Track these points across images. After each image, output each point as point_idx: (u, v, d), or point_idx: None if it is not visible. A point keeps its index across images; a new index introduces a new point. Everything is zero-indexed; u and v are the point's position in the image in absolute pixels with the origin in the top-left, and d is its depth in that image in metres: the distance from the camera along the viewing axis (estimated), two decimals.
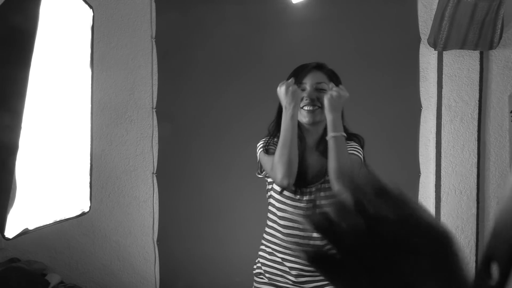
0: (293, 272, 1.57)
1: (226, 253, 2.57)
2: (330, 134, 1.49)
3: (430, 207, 2.58)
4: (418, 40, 2.56)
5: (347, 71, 2.55)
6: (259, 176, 1.69)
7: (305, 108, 1.54)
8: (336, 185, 1.45)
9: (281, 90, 1.52)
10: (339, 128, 1.49)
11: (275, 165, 1.48)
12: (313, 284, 1.58)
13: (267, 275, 1.63)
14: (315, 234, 1.49)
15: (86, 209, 1.08)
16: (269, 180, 1.64)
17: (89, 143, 1.16)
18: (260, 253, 1.67)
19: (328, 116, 1.51)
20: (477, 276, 0.19)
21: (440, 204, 2.55)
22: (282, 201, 1.59)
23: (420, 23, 2.57)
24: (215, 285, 2.57)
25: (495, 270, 0.18)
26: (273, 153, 1.52)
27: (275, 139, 1.58)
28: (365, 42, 2.56)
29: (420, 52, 2.56)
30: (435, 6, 2.48)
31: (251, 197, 2.39)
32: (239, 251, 2.49)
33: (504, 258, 0.18)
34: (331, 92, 1.51)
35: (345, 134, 1.51)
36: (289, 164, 1.47)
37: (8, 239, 0.71)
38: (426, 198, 2.58)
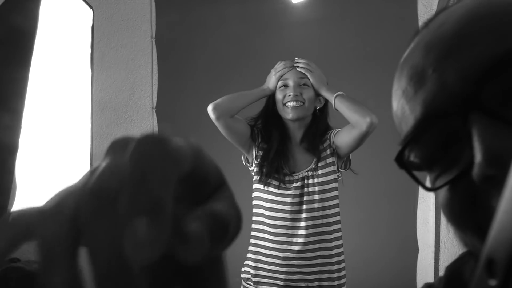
0: (283, 270, 1.57)
1: (226, 253, 2.57)
2: (334, 95, 1.56)
3: (430, 208, 2.58)
4: None
5: (347, 71, 2.56)
6: (249, 168, 1.71)
7: (289, 104, 1.57)
8: (364, 126, 1.49)
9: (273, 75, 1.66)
10: (335, 91, 1.58)
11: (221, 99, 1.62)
12: (305, 282, 1.57)
13: (254, 279, 1.62)
14: (301, 228, 1.53)
15: None
16: (255, 171, 1.66)
17: (89, 143, 1.16)
18: (248, 255, 1.67)
19: (321, 89, 1.59)
20: (477, 276, 0.19)
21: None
22: (269, 191, 1.60)
23: (420, 23, 2.57)
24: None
25: (495, 270, 0.18)
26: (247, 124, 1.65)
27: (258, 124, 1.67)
28: (365, 42, 2.56)
29: None
30: (435, 6, 2.48)
31: (251, 198, 2.39)
32: (238, 251, 2.49)
33: (504, 258, 0.18)
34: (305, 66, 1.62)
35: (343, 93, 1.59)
36: (228, 102, 1.61)
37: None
38: (426, 197, 2.58)
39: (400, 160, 0.36)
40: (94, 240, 0.19)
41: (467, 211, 0.33)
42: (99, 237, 0.18)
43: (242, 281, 1.68)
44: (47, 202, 0.20)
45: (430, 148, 0.35)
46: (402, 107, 0.37)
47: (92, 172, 0.20)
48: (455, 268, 0.44)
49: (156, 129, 2.65)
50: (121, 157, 0.20)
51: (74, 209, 0.19)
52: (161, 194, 0.18)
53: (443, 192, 0.35)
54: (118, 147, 0.20)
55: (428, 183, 0.37)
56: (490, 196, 0.31)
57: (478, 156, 0.30)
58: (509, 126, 0.30)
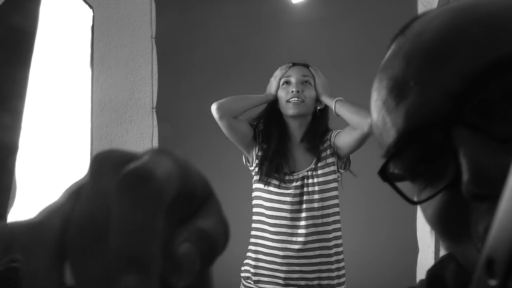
0: (283, 268, 1.58)
1: (226, 252, 2.56)
2: (334, 100, 1.60)
3: None
4: None
5: (347, 71, 2.56)
6: (250, 168, 1.72)
7: (291, 100, 1.60)
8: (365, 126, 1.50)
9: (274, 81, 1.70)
10: (335, 98, 1.62)
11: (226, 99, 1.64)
12: (304, 281, 1.58)
13: (254, 278, 1.63)
14: (301, 227, 1.54)
15: None
16: (256, 170, 1.67)
17: (89, 143, 1.17)
18: (248, 254, 1.68)
19: (322, 94, 1.63)
20: (477, 276, 0.19)
21: None
22: (270, 191, 1.61)
23: None
24: (215, 285, 2.56)
25: (495, 270, 0.18)
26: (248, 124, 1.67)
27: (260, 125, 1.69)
28: (365, 42, 2.56)
29: None
30: (435, 6, 2.48)
31: (251, 197, 2.40)
32: (238, 251, 2.49)
33: (504, 258, 0.18)
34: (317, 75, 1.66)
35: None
36: (232, 103, 1.63)
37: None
38: None
39: (383, 173, 0.36)
40: (78, 267, 0.19)
41: (458, 224, 0.32)
42: (83, 267, 0.19)
43: (242, 280, 1.69)
44: (33, 218, 0.20)
45: (413, 161, 0.35)
46: (383, 118, 0.36)
47: (77, 191, 0.20)
48: (436, 271, 0.44)
49: (156, 129, 2.64)
50: (107, 182, 0.19)
51: (60, 229, 0.19)
52: (150, 245, 0.18)
53: (429, 205, 0.34)
54: (103, 166, 0.20)
55: (412, 196, 0.36)
56: (479, 209, 0.30)
57: (465, 175, 0.29)
58: (494, 141, 0.29)
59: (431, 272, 0.45)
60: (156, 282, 0.18)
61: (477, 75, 0.30)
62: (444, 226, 0.34)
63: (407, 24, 0.39)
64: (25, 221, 0.20)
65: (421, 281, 0.46)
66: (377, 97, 0.38)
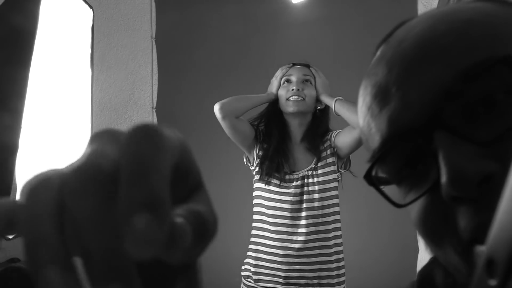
0: (283, 267, 1.58)
1: (226, 252, 2.57)
2: (334, 99, 1.61)
3: None
4: None
5: (347, 71, 2.56)
6: (250, 167, 1.72)
7: (291, 98, 1.61)
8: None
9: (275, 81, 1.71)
10: (335, 98, 1.63)
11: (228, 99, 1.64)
12: (304, 280, 1.58)
13: (254, 276, 1.64)
14: (301, 227, 1.55)
15: None
16: (256, 170, 1.67)
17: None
18: (249, 253, 1.69)
19: (322, 94, 1.64)
20: (477, 276, 0.19)
21: None
22: (270, 190, 1.62)
23: None
24: (215, 285, 2.57)
25: (495, 270, 0.18)
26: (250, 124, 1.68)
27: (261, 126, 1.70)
28: (365, 42, 2.55)
29: None
30: (435, 6, 2.48)
31: (251, 197, 2.40)
32: (239, 250, 2.49)
33: (504, 258, 0.18)
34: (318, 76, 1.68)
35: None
36: (235, 103, 1.63)
37: (8, 239, 0.71)
38: None
39: (369, 177, 0.36)
40: (81, 220, 0.18)
41: (439, 227, 0.33)
42: (86, 217, 0.18)
43: (243, 279, 1.69)
44: (26, 189, 0.19)
45: (397, 165, 0.35)
46: (368, 124, 0.37)
47: (113, 136, 0.20)
48: (426, 272, 0.45)
49: None
50: (111, 144, 0.19)
51: (58, 191, 0.19)
52: (160, 187, 0.18)
53: (415, 208, 0.35)
54: (104, 137, 0.20)
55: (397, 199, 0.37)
56: (459, 212, 0.31)
57: (443, 177, 0.30)
58: (473, 145, 0.30)
59: (422, 272, 0.46)
60: (167, 225, 0.18)
61: (455, 80, 0.31)
62: (427, 229, 0.34)
63: (391, 31, 0.40)
64: (18, 199, 0.19)
65: (412, 282, 0.46)
66: (362, 103, 0.39)
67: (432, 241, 0.35)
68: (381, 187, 0.36)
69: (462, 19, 0.34)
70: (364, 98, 0.38)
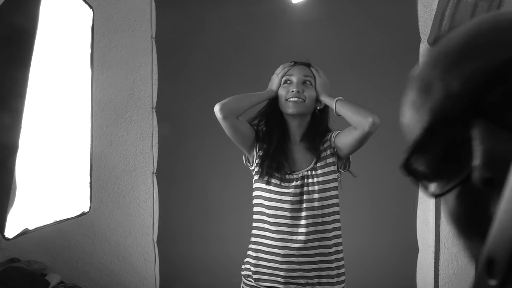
0: (283, 267, 1.58)
1: (226, 253, 2.57)
2: (334, 99, 1.60)
3: (430, 208, 2.58)
4: (418, 40, 2.56)
5: (347, 71, 2.56)
6: (250, 167, 1.72)
7: (291, 99, 1.60)
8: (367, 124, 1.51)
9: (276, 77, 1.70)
10: (335, 98, 1.62)
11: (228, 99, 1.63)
12: (304, 280, 1.58)
13: (254, 276, 1.64)
14: (301, 226, 1.55)
15: (86, 209, 1.09)
16: (256, 170, 1.67)
17: (89, 143, 1.17)
18: (249, 252, 1.69)
19: (323, 94, 1.63)
20: (477, 276, 0.19)
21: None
22: (270, 190, 1.62)
23: (420, 23, 2.57)
24: (215, 285, 2.57)
25: (495, 270, 0.18)
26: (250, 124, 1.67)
27: (261, 125, 1.69)
28: (365, 42, 2.56)
29: (420, 52, 2.56)
30: (435, 6, 2.48)
31: (251, 197, 2.40)
32: (239, 251, 2.49)
33: (504, 258, 0.18)
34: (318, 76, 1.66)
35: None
36: (235, 102, 1.62)
37: (8, 239, 0.71)
38: (426, 197, 2.58)
39: (406, 168, 0.37)
40: None
41: (471, 218, 0.34)
42: None
43: (243, 278, 1.69)
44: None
45: (435, 157, 0.36)
46: (412, 117, 0.39)
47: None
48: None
49: (156, 129, 2.64)
50: None
51: None
52: None
53: (446, 201, 0.36)
54: None
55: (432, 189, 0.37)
56: (490, 200, 0.31)
57: (476, 159, 0.31)
58: (509, 132, 0.31)
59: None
60: None
61: (496, 70, 0.32)
62: (458, 220, 0.35)
63: (442, 35, 0.42)
64: None
65: None
66: (407, 100, 0.40)
67: (463, 233, 0.35)
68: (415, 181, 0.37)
69: (506, 18, 0.36)
70: (409, 93, 0.40)
